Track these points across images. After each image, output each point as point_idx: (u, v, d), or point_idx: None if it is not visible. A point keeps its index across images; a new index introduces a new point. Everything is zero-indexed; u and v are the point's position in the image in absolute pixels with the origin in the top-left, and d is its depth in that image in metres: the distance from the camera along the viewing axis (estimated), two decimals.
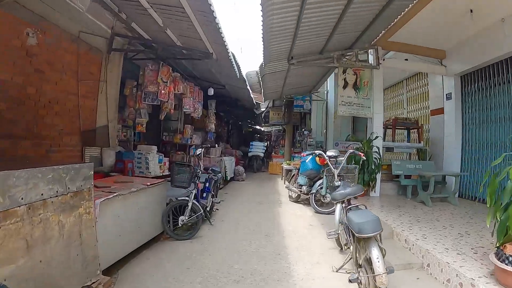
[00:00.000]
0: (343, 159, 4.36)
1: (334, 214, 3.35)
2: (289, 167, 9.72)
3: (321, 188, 5.46)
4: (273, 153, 14.19)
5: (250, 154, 13.75)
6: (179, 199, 4.20)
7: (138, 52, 5.97)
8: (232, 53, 5.64)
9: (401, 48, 6.45)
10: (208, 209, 4.71)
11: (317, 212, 5.54)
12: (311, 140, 13.31)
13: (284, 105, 11.66)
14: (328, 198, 5.41)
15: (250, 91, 9.03)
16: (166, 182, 4.35)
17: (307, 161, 5.84)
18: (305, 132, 14.55)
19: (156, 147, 7.02)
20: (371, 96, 6.52)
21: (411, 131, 7.72)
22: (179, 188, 4.23)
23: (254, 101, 10.45)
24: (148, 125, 7.52)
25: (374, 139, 6.17)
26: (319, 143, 13.61)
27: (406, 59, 7.06)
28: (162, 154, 6.88)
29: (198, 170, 4.55)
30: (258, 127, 26.36)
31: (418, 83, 8.25)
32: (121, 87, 6.21)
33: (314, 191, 5.54)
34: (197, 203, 4.16)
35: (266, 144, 21.63)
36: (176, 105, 7.75)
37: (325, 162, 5.26)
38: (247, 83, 8.26)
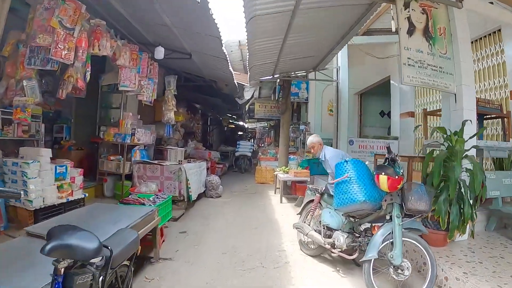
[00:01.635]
0: None
1: None
2: (290, 178, 6.61)
3: (391, 245, 2.37)
4: (260, 154, 11.06)
5: (237, 154, 12.61)
6: None
7: None
8: None
9: None
10: None
11: None
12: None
13: (279, 86, 8.31)
14: (406, 271, 2.33)
15: (230, 64, 5.87)
16: None
17: (351, 180, 2.67)
18: (302, 128, 11.50)
19: (48, 150, 3.70)
20: (452, 54, 3.51)
21: (488, 121, 4.83)
22: None
23: (235, 82, 7.33)
24: (80, 112, 4.31)
25: (469, 138, 3.15)
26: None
27: (491, 2, 4.23)
28: (69, 162, 3.65)
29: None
30: (241, 122, 23.09)
31: (489, 50, 5.36)
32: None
33: (373, 254, 2.38)
34: None
35: (257, 142, 18.85)
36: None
37: (398, 187, 2.21)
38: (224, 48, 5.08)
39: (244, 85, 10.26)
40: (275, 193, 7.54)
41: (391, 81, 8.05)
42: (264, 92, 15.51)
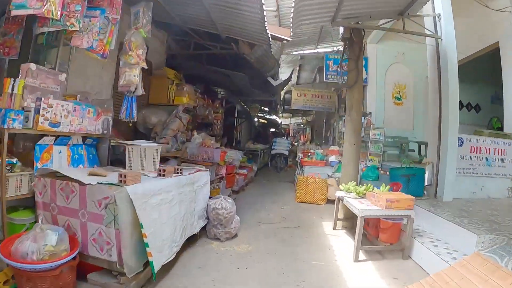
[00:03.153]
0: None
1: None
2: (374, 211, 3.20)
3: None
4: (301, 156, 7.72)
5: (273, 152, 11.57)
6: None
7: None
8: None
9: None
10: None
11: None
12: (377, 134, 6.78)
13: (344, 41, 4.71)
14: None
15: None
16: None
17: None
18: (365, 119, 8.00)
19: None
20: None
21: None
22: None
23: (268, 33, 4.14)
24: None
25: None
26: (404, 144, 7.17)
27: None
28: None
29: None
30: (274, 117, 19.76)
31: None
32: None
33: None
34: None
35: (290, 140, 16.03)
36: None
37: None
38: None
39: (279, 60, 7.04)
40: (334, 228, 4.19)
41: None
42: (305, 76, 12.07)
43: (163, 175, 2.78)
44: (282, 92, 12.08)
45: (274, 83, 7.96)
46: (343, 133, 9.52)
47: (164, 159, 4.09)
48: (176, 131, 5.71)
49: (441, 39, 4.85)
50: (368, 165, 6.42)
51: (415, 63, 8.40)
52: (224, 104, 9.92)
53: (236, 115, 14.99)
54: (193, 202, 3.11)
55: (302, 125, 29.32)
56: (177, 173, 3.02)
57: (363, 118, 8.05)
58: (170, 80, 6.11)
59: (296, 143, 25.13)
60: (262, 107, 15.19)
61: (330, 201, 5.47)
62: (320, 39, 7.98)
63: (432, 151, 4.84)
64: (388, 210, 3.09)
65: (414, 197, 3.26)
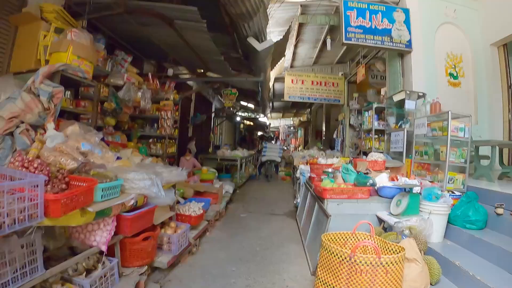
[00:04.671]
0: None
1: None
2: None
3: None
4: (310, 174, 4.35)
5: (264, 159, 10.35)
6: None
7: None
8: None
9: None
10: None
11: None
12: (459, 128, 3.50)
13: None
14: None
15: None
16: None
17: None
18: (410, 105, 4.66)
19: None
20: None
21: None
22: None
23: None
24: None
25: None
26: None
27: None
28: None
29: None
30: (262, 116, 16.32)
31: None
32: None
33: None
34: None
35: (282, 146, 13.99)
36: None
37: None
38: None
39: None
40: None
41: None
42: (303, 54, 8.73)
43: None
44: (271, 79, 8.71)
45: (260, 46, 4.61)
46: (363, 131, 6.27)
47: None
48: (12, 121, 2.24)
49: None
50: (447, 189, 3.18)
51: (473, 25, 5.46)
52: (182, 91, 6.43)
53: (212, 110, 11.55)
54: None
55: (292, 128, 26.19)
56: None
57: (419, 102, 4.83)
58: (48, 24, 2.71)
59: (286, 148, 21.93)
60: (244, 102, 11.76)
61: None
62: None
63: None
64: None
65: None
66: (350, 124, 8.52)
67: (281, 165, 12.16)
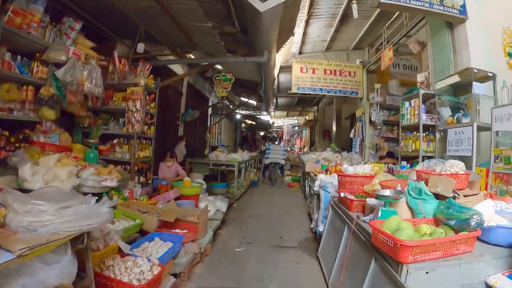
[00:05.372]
0: None
1: None
2: None
3: None
4: (335, 193, 2.92)
5: (267, 162, 9.65)
6: None
7: None
8: None
9: None
10: None
11: None
12: None
13: None
14: None
15: None
16: None
17: None
18: (477, 90, 3.06)
19: None
20: None
21: None
22: None
23: None
24: None
25: None
26: None
27: None
28: None
29: None
30: (265, 114, 14.77)
31: None
32: None
33: None
34: None
35: (286, 147, 12.79)
36: None
37: None
38: None
39: None
40: None
41: None
42: (315, 34, 7.26)
43: None
44: (276, 68, 7.25)
45: (263, 5, 3.18)
46: (400, 128, 4.80)
47: None
48: None
49: None
50: None
51: None
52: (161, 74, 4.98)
53: (209, 106, 10.14)
54: None
55: (297, 127, 24.68)
56: None
57: (482, 86, 3.37)
58: None
59: (290, 148, 20.49)
60: (244, 98, 10.30)
61: None
62: None
63: None
64: None
65: None
66: (370, 121, 7.08)
67: (286, 167, 11.27)
